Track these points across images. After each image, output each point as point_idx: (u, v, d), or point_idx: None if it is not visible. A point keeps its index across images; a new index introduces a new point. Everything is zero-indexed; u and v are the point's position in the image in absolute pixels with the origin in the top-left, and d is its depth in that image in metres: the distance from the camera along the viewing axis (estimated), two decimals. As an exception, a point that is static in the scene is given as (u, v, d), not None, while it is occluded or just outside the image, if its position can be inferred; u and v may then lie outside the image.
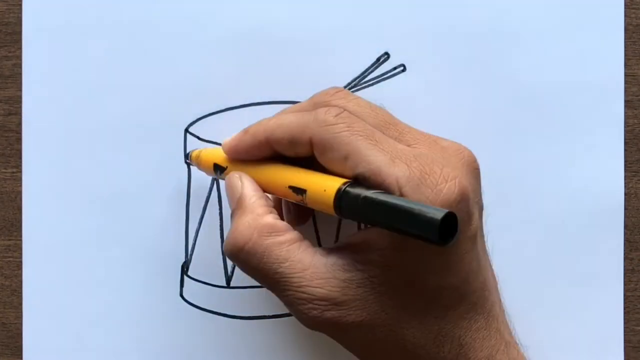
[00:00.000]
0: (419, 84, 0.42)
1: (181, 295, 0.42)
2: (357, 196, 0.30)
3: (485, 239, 0.36)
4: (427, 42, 0.42)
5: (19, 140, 0.43)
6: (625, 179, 0.42)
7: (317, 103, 0.35)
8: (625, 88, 0.42)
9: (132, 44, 0.42)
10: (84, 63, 0.42)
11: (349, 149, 0.32)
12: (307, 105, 0.36)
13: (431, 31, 0.42)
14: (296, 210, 0.39)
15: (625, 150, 0.42)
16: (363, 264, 0.32)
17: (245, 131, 0.36)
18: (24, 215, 0.42)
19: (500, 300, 0.36)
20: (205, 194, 0.42)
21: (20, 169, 0.42)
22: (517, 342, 0.36)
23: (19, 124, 0.42)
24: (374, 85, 0.42)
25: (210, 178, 0.42)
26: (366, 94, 0.41)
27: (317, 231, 0.42)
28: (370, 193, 0.30)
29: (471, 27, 0.42)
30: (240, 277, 0.42)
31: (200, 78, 0.42)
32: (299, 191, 0.33)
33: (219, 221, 0.42)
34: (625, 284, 0.42)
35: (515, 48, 0.42)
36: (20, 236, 0.43)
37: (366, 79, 0.42)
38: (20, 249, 0.42)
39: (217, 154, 0.38)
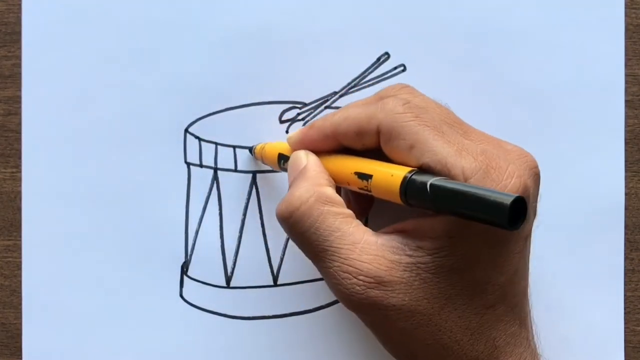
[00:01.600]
0: (419, 84, 0.42)
1: (181, 296, 0.42)
2: (424, 182, 0.30)
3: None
4: (427, 42, 0.42)
5: (18, 140, 0.42)
6: (625, 179, 0.42)
7: (383, 96, 0.35)
8: (625, 88, 0.42)
9: (132, 44, 0.42)
10: (84, 63, 0.42)
11: (415, 138, 0.32)
12: (372, 99, 0.36)
13: (431, 31, 0.42)
14: (355, 203, 0.38)
15: (625, 150, 0.42)
16: (413, 249, 0.32)
17: (311, 126, 0.36)
18: (23, 216, 0.42)
19: (530, 312, 0.36)
20: (205, 194, 0.42)
21: (20, 169, 0.42)
22: (541, 356, 0.36)
23: (19, 124, 0.42)
24: (374, 85, 0.42)
25: (210, 178, 0.42)
26: (366, 93, 0.41)
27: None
28: (437, 180, 0.30)
29: (471, 27, 0.42)
30: (240, 277, 0.42)
31: (200, 78, 0.42)
32: (365, 177, 0.33)
33: (219, 222, 0.42)
34: (625, 284, 0.42)
35: (515, 48, 0.42)
36: (20, 236, 0.42)
37: (366, 79, 0.42)
38: (20, 249, 0.42)
39: (282, 146, 0.38)
